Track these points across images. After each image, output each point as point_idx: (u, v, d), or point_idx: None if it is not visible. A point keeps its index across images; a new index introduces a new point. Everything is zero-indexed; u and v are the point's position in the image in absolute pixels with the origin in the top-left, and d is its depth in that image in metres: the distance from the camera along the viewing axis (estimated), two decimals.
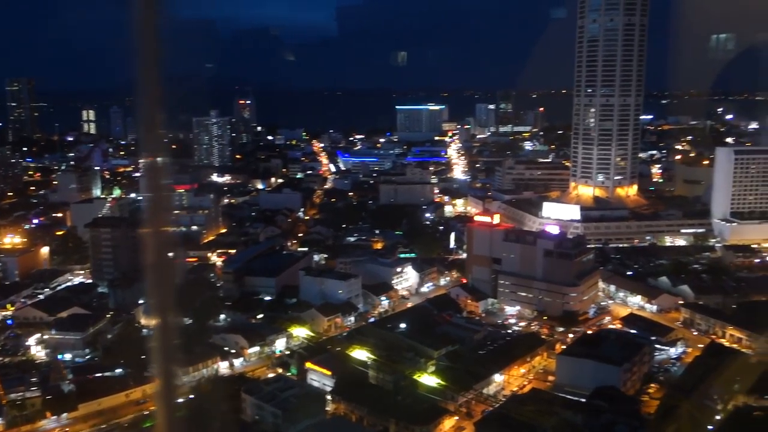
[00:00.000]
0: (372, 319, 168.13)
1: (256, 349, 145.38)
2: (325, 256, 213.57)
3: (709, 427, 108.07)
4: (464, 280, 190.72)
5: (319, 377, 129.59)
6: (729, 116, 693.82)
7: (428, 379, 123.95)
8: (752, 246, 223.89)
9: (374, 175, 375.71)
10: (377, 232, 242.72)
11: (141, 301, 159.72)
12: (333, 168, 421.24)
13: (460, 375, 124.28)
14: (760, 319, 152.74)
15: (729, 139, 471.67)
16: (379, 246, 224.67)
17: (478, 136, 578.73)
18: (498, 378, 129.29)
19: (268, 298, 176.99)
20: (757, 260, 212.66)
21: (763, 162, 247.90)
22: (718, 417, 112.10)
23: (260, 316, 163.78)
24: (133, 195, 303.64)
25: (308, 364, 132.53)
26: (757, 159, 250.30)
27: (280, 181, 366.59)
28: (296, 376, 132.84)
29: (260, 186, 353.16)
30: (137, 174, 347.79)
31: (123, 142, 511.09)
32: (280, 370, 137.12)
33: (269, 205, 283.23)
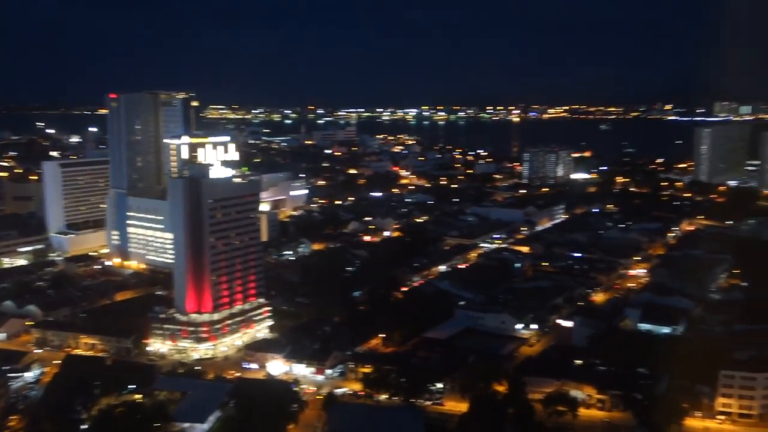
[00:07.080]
0: None
1: None
2: None
3: None
4: None
5: None
6: (51, 130, 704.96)
7: None
8: (92, 254, 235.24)
9: None
10: None
11: None
12: None
13: None
14: (109, 321, 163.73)
15: (55, 153, 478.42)
16: None
17: None
18: None
19: None
20: (98, 266, 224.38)
21: (90, 173, 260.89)
22: (85, 426, 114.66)
23: None
24: None
25: None
26: (84, 171, 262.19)
27: None
28: None
29: None
30: None
31: None
32: None
33: None
